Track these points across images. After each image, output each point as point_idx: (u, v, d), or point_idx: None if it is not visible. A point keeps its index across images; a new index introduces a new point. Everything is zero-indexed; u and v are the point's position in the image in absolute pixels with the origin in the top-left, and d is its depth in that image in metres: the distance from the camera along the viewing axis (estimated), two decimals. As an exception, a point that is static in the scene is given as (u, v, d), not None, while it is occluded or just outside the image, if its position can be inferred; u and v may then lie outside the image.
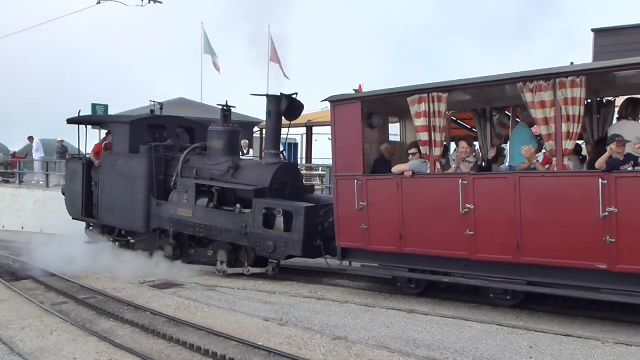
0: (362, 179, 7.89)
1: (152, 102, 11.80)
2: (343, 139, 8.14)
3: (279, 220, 8.91)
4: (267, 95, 9.67)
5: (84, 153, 12.44)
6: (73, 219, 12.29)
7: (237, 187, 9.64)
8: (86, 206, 11.82)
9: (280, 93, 9.49)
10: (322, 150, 22.07)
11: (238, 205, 9.44)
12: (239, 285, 9.17)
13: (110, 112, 21.41)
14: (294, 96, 9.57)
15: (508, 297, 7.32)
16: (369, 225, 7.81)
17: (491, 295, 7.45)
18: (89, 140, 12.34)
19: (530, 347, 5.86)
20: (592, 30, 14.99)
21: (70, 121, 12.23)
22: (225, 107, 10.46)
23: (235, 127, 10.57)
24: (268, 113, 9.64)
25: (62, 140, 24.01)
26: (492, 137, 8.82)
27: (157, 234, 10.57)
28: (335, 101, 8.24)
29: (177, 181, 10.35)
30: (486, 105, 8.87)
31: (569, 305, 7.35)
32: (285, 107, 9.48)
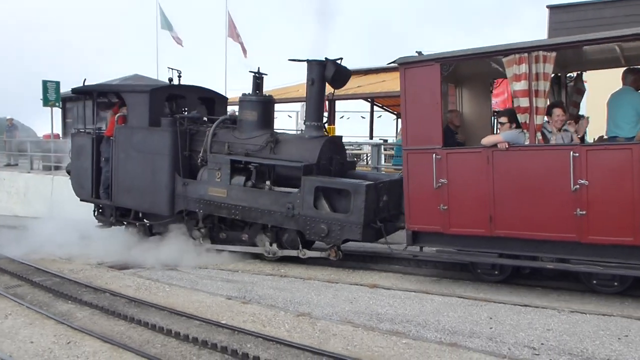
0: (441, 153, 7.00)
1: (171, 69, 10.35)
2: (416, 107, 7.19)
3: (322, 202, 8.19)
4: (308, 61, 8.66)
5: (94, 126, 10.83)
6: (81, 200, 11.09)
7: (283, 163, 8.63)
8: (96, 186, 10.60)
9: (325, 58, 8.58)
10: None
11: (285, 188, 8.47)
12: (216, 263, 9.04)
13: (63, 90, 20.70)
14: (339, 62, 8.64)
15: (616, 284, 6.57)
16: (449, 205, 6.97)
17: (594, 281, 6.71)
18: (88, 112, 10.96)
19: (490, 317, 6.01)
20: (548, 7, 15.26)
21: (77, 91, 11.16)
22: (257, 75, 9.41)
23: (269, 97, 9.55)
24: (311, 81, 8.65)
25: (12, 119, 23.10)
26: (568, 105, 8.07)
27: (183, 216, 9.55)
28: (407, 64, 7.27)
29: (206, 158, 9.25)
30: (561, 71, 8.11)
31: (526, 276, 7.55)
32: (332, 73, 8.55)
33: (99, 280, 8.00)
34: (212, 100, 10.99)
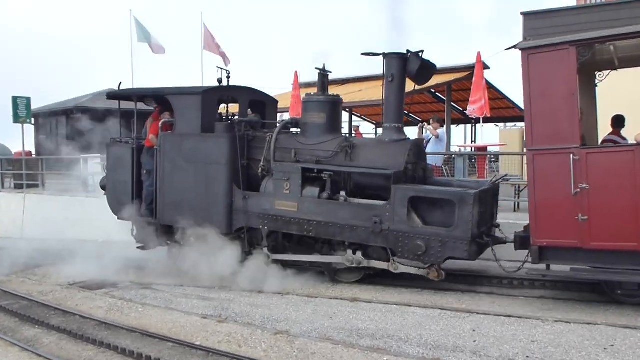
0: (579, 153, 6.06)
1: (220, 69, 9.15)
2: (545, 99, 6.25)
3: (413, 215, 7.15)
4: (385, 55, 7.68)
5: (136, 135, 9.59)
6: (119, 219, 9.68)
7: (368, 170, 7.59)
8: (138, 202, 9.37)
9: (408, 50, 7.61)
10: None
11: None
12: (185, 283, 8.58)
13: (34, 105, 20.24)
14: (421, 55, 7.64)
15: None
16: (590, 215, 6.05)
17: (618, 292, 6.34)
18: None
19: (474, 330, 5.85)
20: (522, 13, 15.33)
21: (114, 96, 9.82)
22: (323, 72, 8.36)
23: (338, 97, 8.50)
24: (390, 77, 7.63)
25: (-17, 136, 22.53)
26: None
27: (244, 235, 8.35)
28: (533, 49, 6.30)
29: (269, 167, 8.20)
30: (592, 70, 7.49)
31: (508, 285, 7.44)
32: (417, 67, 7.54)
33: (69, 301, 7.69)
34: (262, 104, 9.91)
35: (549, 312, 6.37)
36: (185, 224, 8.55)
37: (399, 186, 7.20)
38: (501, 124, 23.19)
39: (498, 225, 7.55)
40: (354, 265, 7.65)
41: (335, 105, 8.38)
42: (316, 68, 8.37)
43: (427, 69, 7.72)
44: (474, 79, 13.92)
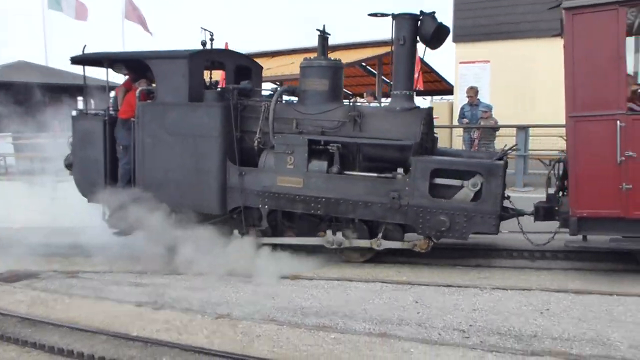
0: (626, 120, 5.84)
1: (204, 30, 8.11)
2: (589, 61, 5.94)
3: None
4: (394, 16, 7.10)
5: (108, 106, 8.64)
6: (90, 202, 8.63)
7: (384, 142, 7.08)
8: (112, 182, 8.39)
9: (421, 11, 7.07)
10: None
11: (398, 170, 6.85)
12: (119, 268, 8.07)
13: None
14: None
15: None
16: (634, 184, 5.85)
17: None
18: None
19: (416, 301, 5.89)
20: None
21: (78, 61, 8.64)
22: (323, 34, 7.68)
23: (340, 62, 7.87)
24: (402, 40, 7.05)
25: None
26: None
27: (240, 215, 7.62)
28: (577, 8, 5.94)
29: (266, 139, 7.51)
30: None
31: (447, 255, 7.56)
32: (432, 30, 6.98)
33: (-16, 296, 7.07)
34: (248, 70, 9.00)
35: (486, 280, 6.52)
36: (171, 205, 7.83)
37: (420, 158, 6.83)
38: (429, 97, 23.63)
39: (509, 197, 7.31)
40: (334, 247, 7.30)
41: (337, 71, 7.77)
42: (317, 29, 7.75)
43: (442, 32, 7.20)
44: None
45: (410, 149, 6.82)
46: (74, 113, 8.97)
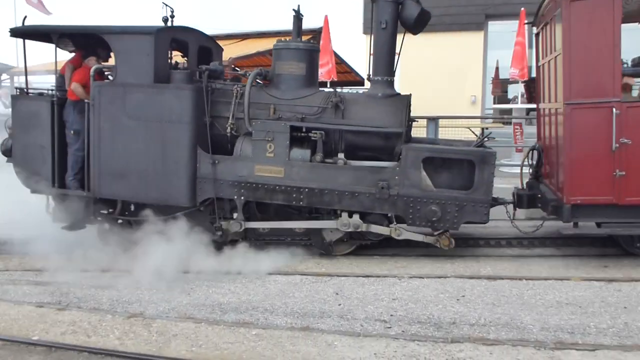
0: (621, 107, 5.99)
1: (165, 5, 7.40)
2: (585, 49, 6.04)
3: (423, 176, 6.64)
4: (374, 0, 6.96)
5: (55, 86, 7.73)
6: (33, 192, 7.72)
7: (373, 129, 6.83)
8: (59, 171, 7.50)
9: None
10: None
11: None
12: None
13: None
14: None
15: None
16: (627, 171, 6.02)
17: (638, 244, 6.67)
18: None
19: (337, 293, 5.87)
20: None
21: (20, 34, 7.63)
22: (298, 14, 7.29)
23: (316, 46, 7.62)
24: (383, 23, 6.86)
25: None
26: None
27: (207, 208, 7.14)
28: None
29: (240, 125, 7.03)
30: None
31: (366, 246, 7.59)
32: (416, 14, 6.82)
33: None
34: (209, 51, 8.35)
35: (403, 269, 6.63)
36: (131, 197, 7.21)
37: (411, 145, 6.72)
38: (339, 89, 23.80)
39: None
40: (350, 230, 6.91)
41: (314, 54, 7.43)
42: (293, 9, 7.39)
43: (425, 16, 7.04)
44: (321, 42, 13.93)
45: (400, 137, 6.74)
46: (15, 92, 8.04)
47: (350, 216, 6.87)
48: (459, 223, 6.62)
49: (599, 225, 6.40)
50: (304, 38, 7.84)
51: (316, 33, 15.38)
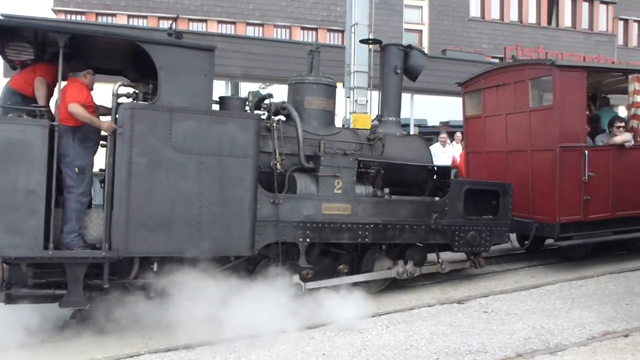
0: (587, 150, 8.04)
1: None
2: (567, 107, 7.91)
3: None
4: (386, 45, 7.89)
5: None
6: (15, 258, 5.26)
7: (430, 165, 7.73)
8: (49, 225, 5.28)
9: (409, 45, 7.98)
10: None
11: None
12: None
13: None
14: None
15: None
16: (590, 196, 7.97)
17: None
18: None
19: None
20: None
21: (14, 25, 5.76)
22: (316, 49, 7.36)
23: (334, 82, 7.48)
24: (398, 69, 7.72)
25: None
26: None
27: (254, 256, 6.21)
28: (561, 67, 7.96)
29: (289, 161, 6.52)
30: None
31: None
32: (424, 64, 7.91)
33: None
34: None
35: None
36: (174, 252, 5.65)
37: (457, 180, 7.84)
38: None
39: None
40: (406, 276, 7.11)
41: (335, 91, 7.47)
42: (309, 44, 7.76)
43: (420, 66, 8.00)
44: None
45: (432, 172, 7.68)
46: None
47: (405, 263, 7.10)
48: (490, 245, 7.55)
49: (569, 238, 8.22)
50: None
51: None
